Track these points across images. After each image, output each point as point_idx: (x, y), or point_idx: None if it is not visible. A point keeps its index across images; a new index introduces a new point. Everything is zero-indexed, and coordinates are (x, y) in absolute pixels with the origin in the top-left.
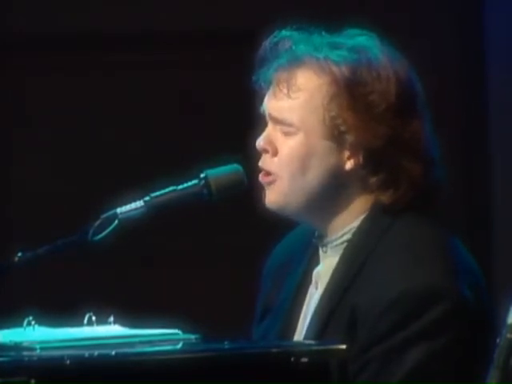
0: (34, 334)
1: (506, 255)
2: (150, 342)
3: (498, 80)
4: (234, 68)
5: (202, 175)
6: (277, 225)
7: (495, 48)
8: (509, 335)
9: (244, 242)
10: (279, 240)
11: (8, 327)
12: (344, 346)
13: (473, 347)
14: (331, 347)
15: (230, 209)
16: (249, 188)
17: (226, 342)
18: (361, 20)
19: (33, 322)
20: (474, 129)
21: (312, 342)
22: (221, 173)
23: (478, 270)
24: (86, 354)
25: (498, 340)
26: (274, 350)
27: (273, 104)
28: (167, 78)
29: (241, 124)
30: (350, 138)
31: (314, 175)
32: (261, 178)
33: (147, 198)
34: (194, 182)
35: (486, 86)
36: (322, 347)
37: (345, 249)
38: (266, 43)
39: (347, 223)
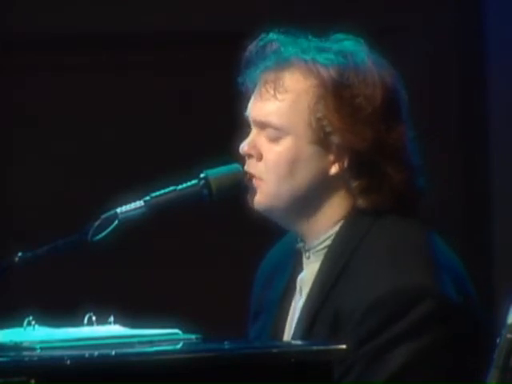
0: (34, 334)
1: (506, 255)
2: (150, 342)
3: (499, 80)
4: (234, 68)
5: (201, 175)
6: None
7: (496, 48)
8: (509, 335)
9: (244, 243)
10: (277, 241)
11: (8, 327)
12: (344, 346)
13: (460, 344)
14: (331, 347)
15: (230, 209)
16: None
17: (225, 342)
18: (349, 24)
19: (33, 322)
20: (474, 129)
21: (312, 342)
22: (221, 173)
23: (460, 265)
24: (86, 354)
25: (497, 340)
26: (274, 350)
27: (259, 107)
28: (167, 77)
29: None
30: (335, 139)
31: (301, 179)
32: (247, 180)
33: (147, 198)
34: (194, 182)
35: (486, 86)
36: (321, 347)
37: (326, 254)
38: (252, 46)
39: (327, 229)
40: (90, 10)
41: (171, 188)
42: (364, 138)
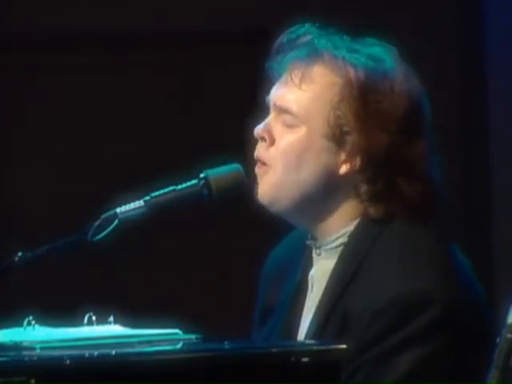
0: (34, 334)
1: (506, 255)
2: (150, 342)
3: (499, 80)
4: (234, 68)
5: (201, 175)
6: (277, 225)
7: (496, 48)
8: (509, 335)
9: (245, 243)
10: (279, 241)
11: (8, 327)
12: (344, 346)
13: (468, 349)
14: (331, 347)
15: (230, 209)
16: (249, 188)
17: (225, 342)
18: (348, 25)
19: (33, 322)
20: (474, 129)
21: (312, 341)
22: (221, 173)
23: (472, 271)
24: (86, 354)
25: (497, 340)
26: (274, 350)
27: (282, 92)
28: (167, 77)
29: (241, 124)
30: (350, 139)
31: (308, 172)
32: (256, 169)
33: (147, 198)
34: (194, 181)
35: (486, 86)
36: (322, 347)
37: (341, 253)
38: (285, 34)
39: (339, 227)
40: (90, 10)
41: (171, 188)
42: (379, 143)
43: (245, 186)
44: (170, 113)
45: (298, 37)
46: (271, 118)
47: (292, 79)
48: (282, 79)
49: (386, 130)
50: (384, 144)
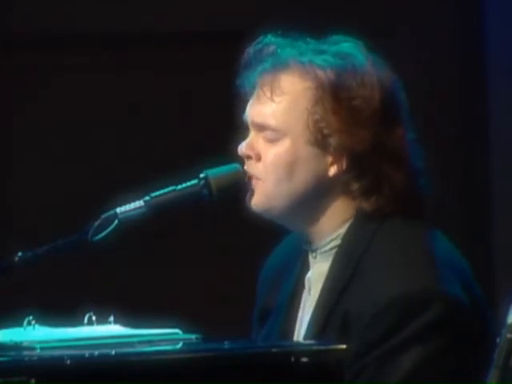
0: (34, 334)
1: (506, 255)
2: (150, 342)
3: (499, 80)
4: (234, 68)
5: (201, 175)
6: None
7: (496, 48)
8: (509, 335)
9: (245, 243)
10: (279, 241)
11: (8, 327)
12: (344, 346)
13: (468, 347)
14: (331, 347)
15: (230, 209)
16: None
17: (225, 342)
18: (348, 25)
19: (33, 322)
20: (474, 129)
21: (312, 341)
22: (221, 173)
23: (467, 266)
24: (86, 354)
25: (497, 340)
26: (274, 350)
27: (256, 109)
28: (167, 77)
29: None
30: (333, 141)
31: (300, 180)
32: (247, 180)
33: (147, 198)
34: (194, 181)
35: (486, 86)
36: (322, 347)
37: (335, 255)
38: (250, 48)
39: (333, 229)
40: (90, 10)
41: (171, 188)
42: (362, 139)
43: (245, 186)
44: (170, 113)
45: (262, 49)
46: (252, 135)
47: (264, 93)
48: (254, 95)
49: (366, 125)
50: (366, 139)
